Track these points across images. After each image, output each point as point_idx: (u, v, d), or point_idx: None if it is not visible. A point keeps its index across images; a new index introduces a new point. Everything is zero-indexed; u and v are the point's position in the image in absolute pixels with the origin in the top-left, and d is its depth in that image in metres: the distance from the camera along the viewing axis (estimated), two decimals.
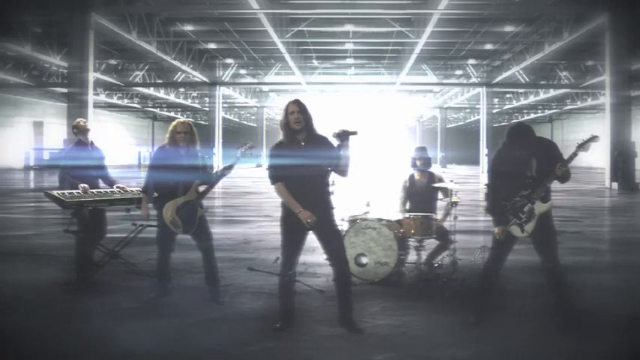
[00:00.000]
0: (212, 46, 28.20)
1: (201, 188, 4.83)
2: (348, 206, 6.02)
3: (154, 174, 4.84)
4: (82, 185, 5.31)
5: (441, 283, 5.23)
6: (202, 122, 47.54)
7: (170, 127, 4.79)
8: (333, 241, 4.00)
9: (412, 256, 5.74)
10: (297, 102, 3.96)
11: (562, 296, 4.12)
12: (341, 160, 3.95)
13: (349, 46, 27.22)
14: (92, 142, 5.83)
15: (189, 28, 24.45)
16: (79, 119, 5.96)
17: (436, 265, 5.66)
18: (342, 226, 5.39)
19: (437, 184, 5.86)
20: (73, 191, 5.23)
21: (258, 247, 7.56)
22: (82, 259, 5.38)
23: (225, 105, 45.32)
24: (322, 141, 3.99)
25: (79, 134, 5.75)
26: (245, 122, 60.83)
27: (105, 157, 5.91)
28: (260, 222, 10.42)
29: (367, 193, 6.40)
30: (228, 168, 4.86)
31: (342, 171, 4.01)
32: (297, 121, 3.89)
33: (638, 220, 11.56)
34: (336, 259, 4.02)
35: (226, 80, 33.37)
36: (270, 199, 15.58)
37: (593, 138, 4.14)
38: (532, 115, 51.85)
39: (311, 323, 4.12)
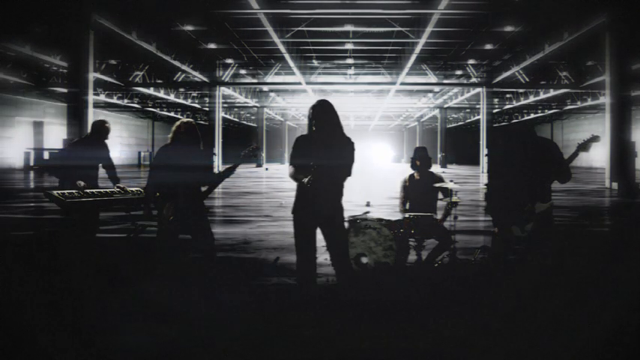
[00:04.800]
0: (212, 46, 28.19)
1: (204, 188, 4.83)
2: (347, 206, 6.01)
3: (156, 173, 4.85)
4: (80, 182, 5.35)
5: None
6: (202, 122, 47.51)
7: (173, 127, 4.80)
8: (336, 245, 3.97)
9: (412, 256, 5.74)
10: (318, 102, 4.06)
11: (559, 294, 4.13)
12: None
13: (349, 46, 27.20)
14: (103, 142, 5.94)
15: (189, 28, 24.45)
16: (106, 123, 6.07)
17: (436, 265, 5.67)
18: None
19: (437, 184, 5.86)
20: (73, 191, 5.24)
21: (258, 247, 7.56)
22: (79, 256, 5.41)
23: (225, 105, 45.32)
24: (337, 143, 3.99)
25: (101, 132, 5.87)
26: (245, 122, 60.83)
27: (110, 156, 6.00)
28: (260, 222, 10.41)
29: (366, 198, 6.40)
30: (232, 169, 4.87)
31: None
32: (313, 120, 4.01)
33: (638, 221, 11.55)
34: (338, 268, 3.99)
35: (226, 80, 33.37)
36: (270, 199, 15.58)
37: (594, 138, 4.14)
38: (532, 115, 51.81)
39: (311, 323, 4.12)
